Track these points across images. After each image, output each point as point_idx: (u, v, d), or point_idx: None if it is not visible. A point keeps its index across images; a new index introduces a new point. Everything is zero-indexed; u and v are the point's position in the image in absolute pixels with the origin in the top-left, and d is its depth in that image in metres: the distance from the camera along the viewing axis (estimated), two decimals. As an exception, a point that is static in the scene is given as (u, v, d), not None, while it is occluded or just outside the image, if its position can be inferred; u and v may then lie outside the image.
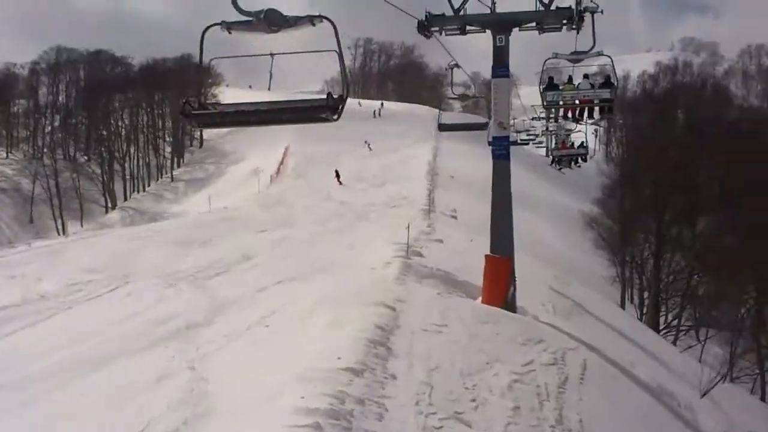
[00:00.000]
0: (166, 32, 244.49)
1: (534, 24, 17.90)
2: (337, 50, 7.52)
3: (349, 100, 8.04)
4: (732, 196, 45.23)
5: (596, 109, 21.58)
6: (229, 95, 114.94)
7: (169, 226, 39.44)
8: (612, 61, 19.52)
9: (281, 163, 68.83)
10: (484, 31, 18.37)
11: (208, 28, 7.66)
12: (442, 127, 15.79)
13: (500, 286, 17.09)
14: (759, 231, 38.89)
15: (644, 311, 41.63)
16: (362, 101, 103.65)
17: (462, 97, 32.05)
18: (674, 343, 39.06)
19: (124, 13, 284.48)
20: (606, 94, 19.35)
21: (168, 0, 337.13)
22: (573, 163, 34.53)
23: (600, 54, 19.38)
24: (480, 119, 44.28)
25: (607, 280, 46.73)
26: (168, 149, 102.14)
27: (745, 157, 46.75)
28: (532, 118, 60.51)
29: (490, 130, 19.14)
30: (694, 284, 41.23)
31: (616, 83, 19.92)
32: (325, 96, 7.72)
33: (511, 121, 22.84)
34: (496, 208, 18.67)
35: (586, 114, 22.71)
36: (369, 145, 73.33)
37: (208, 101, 9.87)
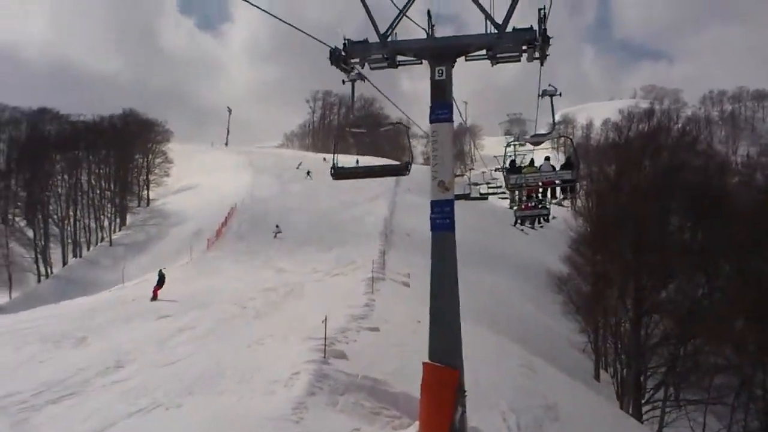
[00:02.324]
0: (113, 89, 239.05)
1: (485, 52, 13.26)
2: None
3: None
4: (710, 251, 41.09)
5: (558, 189, 21.25)
6: (181, 152, 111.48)
7: (56, 312, 33.03)
8: (573, 142, 19.73)
9: (223, 224, 63.50)
10: (420, 62, 13.81)
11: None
12: (337, 174, 11.82)
13: (443, 410, 12.54)
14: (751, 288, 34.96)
15: (621, 382, 36.56)
16: (326, 156, 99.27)
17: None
18: (662, 420, 34.44)
19: (71, 69, 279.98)
20: (568, 175, 18.37)
21: (116, 55, 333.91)
22: (536, 222, 30.54)
23: (561, 135, 22.14)
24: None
25: (579, 347, 42.04)
26: (111, 211, 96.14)
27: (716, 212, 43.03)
28: (495, 169, 56.82)
29: (432, 189, 14.37)
30: (681, 352, 36.38)
31: (577, 164, 19.40)
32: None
33: (465, 175, 19.74)
34: (439, 298, 13.84)
35: (549, 194, 22.38)
36: (309, 173, 70.46)
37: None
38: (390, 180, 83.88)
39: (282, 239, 55.69)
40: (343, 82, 13.16)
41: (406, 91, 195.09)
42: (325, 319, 16.07)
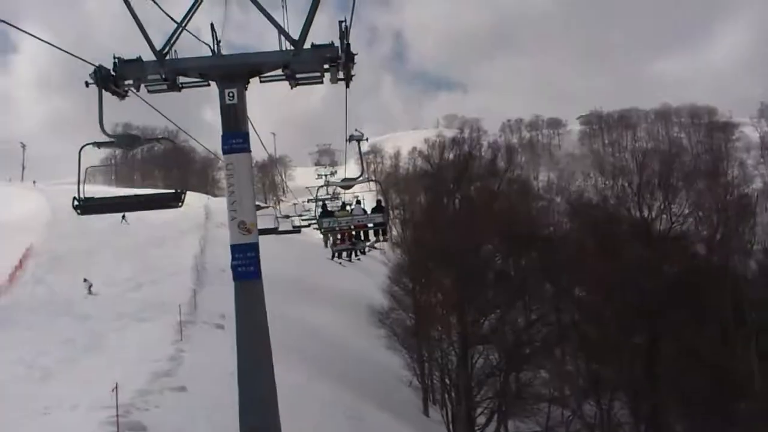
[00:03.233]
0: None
1: (281, 71, 11.77)
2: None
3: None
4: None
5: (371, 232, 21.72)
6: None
7: None
8: (382, 186, 23.72)
9: (18, 267, 57.66)
10: (208, 84, 12.14)
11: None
12: (86, 207, 9.66)
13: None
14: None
15: (453, 419, 35.75)
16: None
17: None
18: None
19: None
20: (379, 218, 18.82)
21: None
22: (353, 255, 29.68)
23: (369, 180, 20.69)
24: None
25: (407, 382, 41.24)
26: None
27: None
28: (308, 200, 55.60)
29: (232, 231, 12.66)
30: (512, 385, 36.34)
31: (387, 207, 19.89)
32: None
33: (272, 206, 19.01)
34: (248, 356, 12.21)
35: (363, 236, 23.30)
36: (125, 218, 65.53)
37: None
38: (200, 215, 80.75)
39: (94, 293, 47.42)
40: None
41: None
42: (116, 387, 13.85)
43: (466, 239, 37.70)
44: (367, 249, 29.38)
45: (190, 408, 16.30)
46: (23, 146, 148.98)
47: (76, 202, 10.61)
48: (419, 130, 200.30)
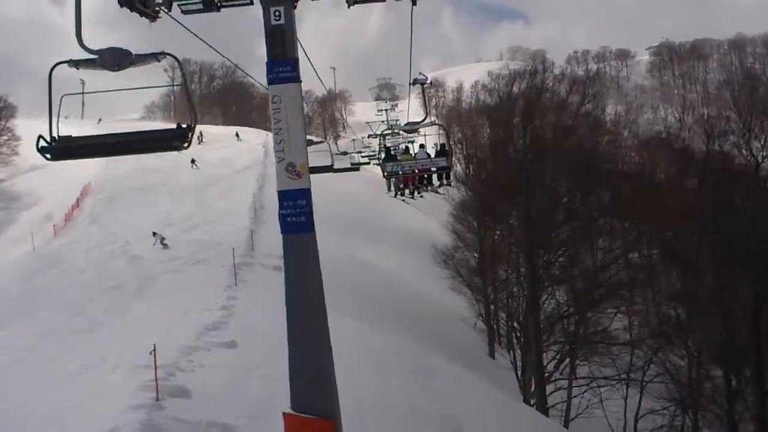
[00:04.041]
0: None
1: (337, -16, 9.72)
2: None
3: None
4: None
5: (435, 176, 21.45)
6: (31, 128, 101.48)
7: None
8: (446, 130, 19.87)
9: (75, 206, 57.44)
10: (250, 2, 10.12)
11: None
12: (57, 150, 7.03)
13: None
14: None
15: (522, 365, 33.81)
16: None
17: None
18: (569, 400, 32.20)
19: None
20: (442, 162, 18.64)
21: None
22: (416, 192, 27.97)
23: (433, 123, 19.70)
24: None
25: (470, 323, 39.55)
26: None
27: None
28: (368, 136, 53.51)
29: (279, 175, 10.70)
30: (582, 328, 33.98)
31: (451, 151, 19.66)
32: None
33: (327, 142, 17.97)
34: (299, 323, 10.32)
35: (426, 180, 22.89)
36: (195, 163, 64.36)
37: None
38: (259, 152, 79.54)
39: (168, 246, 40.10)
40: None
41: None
42: (154, 349, 12.22)
43: (535, 176, 35.31)
44: (429, 191, 27.64)
45: (239, 369, 14.69)
46: (83, 83, 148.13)
47: (43, 143, 7.59)
48: (482, 63, 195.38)
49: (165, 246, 38.58)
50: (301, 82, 10.42)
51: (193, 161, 68.25)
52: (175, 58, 7.55)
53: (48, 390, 14.01)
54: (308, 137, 19.16)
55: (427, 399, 15.76)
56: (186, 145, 7.88)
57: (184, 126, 7.93)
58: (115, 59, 7.40)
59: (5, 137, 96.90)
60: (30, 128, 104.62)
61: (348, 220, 54.39)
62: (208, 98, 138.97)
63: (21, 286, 31.98)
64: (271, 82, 10.21)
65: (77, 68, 7.51)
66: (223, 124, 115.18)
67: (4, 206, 77.28)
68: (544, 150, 37.48)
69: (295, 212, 10.02)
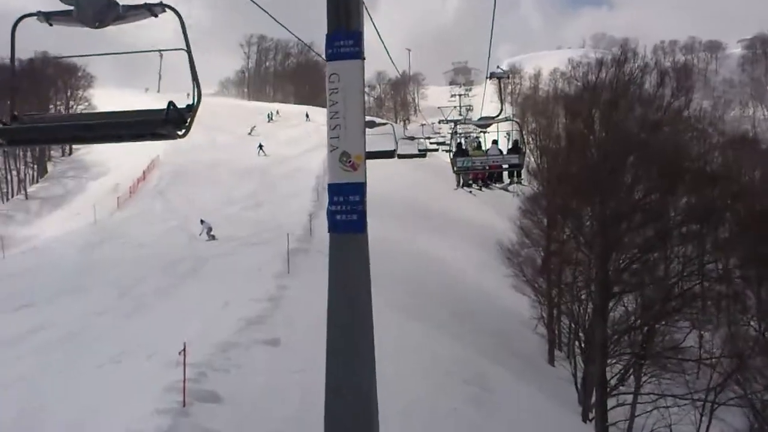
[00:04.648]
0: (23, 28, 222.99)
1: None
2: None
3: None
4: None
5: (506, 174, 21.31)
6: (104, 98, 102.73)
7: None
8: (520, 126, 20.54)
9: (141, 179, 57.36)
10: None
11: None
12: (9, 136, 5.49)
13: None
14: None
15: (583, 378, 31.58)
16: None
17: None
18: (632, 417, 29.99)
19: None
20: (515, 159, 18.57)
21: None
22: (485, 188, 26.43)
23: (508, 119, 19.65)
24: None
25: (531, 325, 37.61)
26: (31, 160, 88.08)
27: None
28: (439, 121, 51.68)
29: (331, 166, 9.22)
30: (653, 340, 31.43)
31: (524, 149, 19.38)
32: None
33: (390, 123, 17.34)
34: (341, 335, 8.79)
35: (496, 178, 22.47)
36: (263, 149, 62.83)
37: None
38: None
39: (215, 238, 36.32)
40: None
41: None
42: (184, 349, 10.97)
43: (616, 174, 33.02)
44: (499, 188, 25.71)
45: (279, 370, 13.38)
46: (161, 55, 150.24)
47: None
48: (562, 50, 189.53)
49: (211, 237, 35.28)
50: (364, 59, 8.98)
51: (260, 147, 66.72)
52: (176, 11, 5.72)
53: (78, 384, 12.99)
54: (371, 118, 17.70)
55: (481, 417, 14.23)
56: (182, 132, 5.87)
57: (180, 107, 5.89)
58: (95, 11, 5.76)
59: (82, 106, 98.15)
60: (107, 98, 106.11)
61: (412, 209, 52.87)
62: (282, 76, 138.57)
63: (77, 258, 31.56)
64: (329, 57, 8.76)
65: (49, 23, 5.89)
66: (295, 103, 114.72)
67: (75, 175, 78.42)
68: (629, 146, 34.99)
69: (347, 209, 8.59)
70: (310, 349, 14.53)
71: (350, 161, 8.64)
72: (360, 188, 8.55)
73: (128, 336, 16.12)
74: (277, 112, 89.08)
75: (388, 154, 14.53)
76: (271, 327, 16.19)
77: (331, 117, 8.97)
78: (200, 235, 35.34)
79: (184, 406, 10.67)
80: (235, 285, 21.45)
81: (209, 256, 28.56)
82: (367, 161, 13.52)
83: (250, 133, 73.48)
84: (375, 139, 15.30)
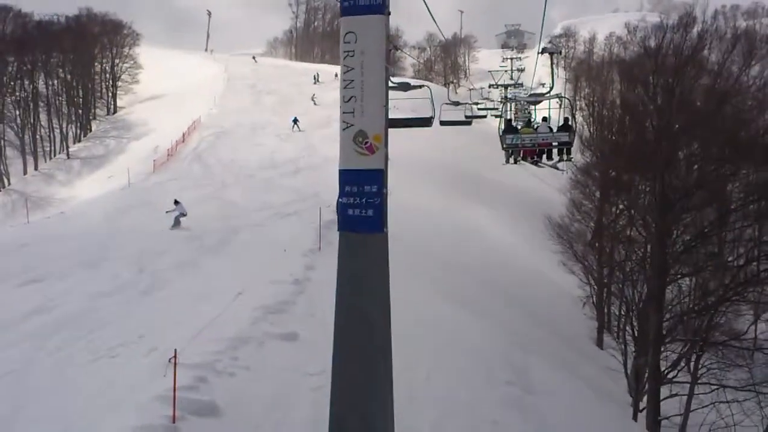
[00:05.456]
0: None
1: None
2: None
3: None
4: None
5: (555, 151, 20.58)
6: (154, 57, 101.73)
7: None
8: (571, 104, 19.17)
9: (181, 141, 56.08)
10: None
11: None
12: None
13: None
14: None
15: (629, 358, 29.43)
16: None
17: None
18: (688, 404, 27.71)
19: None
20: (564, 137, 18.15)
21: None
22: (534, 164, 24.47)
23: (559, 96, 18.72)
24: None
25: (578, 303, 35.52)
26: (74, 119, 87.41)
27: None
28: (489, 86, 49.52)
29: (343, 148, 7.39)
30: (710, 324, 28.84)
31: (574, 126, 18.76)
32: None
33: (426, 86, 14.74)
34: (351, 354, 7.15)
35: (545, 156, 21.58)
36: (297, 124, 59.89)
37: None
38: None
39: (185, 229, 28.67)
40: None
41: None
42: (175, 356, 9.32)
43: (678, 148, 30.54)
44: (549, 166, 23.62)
45: (294, 371, 11.68)
46: (209, 14, 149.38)
47: None
48: (618, 14, 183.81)
49: (177, 223, 28.19)
50: (389, 14, 7.23)
51: (295, 121, 60.52)
52: None
53: (65, 384, 11.44)
54: (405, 79, 15.67)
55: (523, 430, 12.45)
56: None
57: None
58: None
59: (128, 64, 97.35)
60: (153, 57, 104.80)
61: (456, 178, 50.84)
62: (330, 37, 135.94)
63: (102, 227, 30.30)
64: (345, 10, 7.09)
65: None
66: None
67: (117, 135, 77.77)
68: (694, 117, 32.32)
69: (361, 202, 6.97)
70: (331, 347, 12.96)
71: (367, 142, 6.97)
72: (378, 176, 6.90)
73: (132, 323, 14.60)
74: (317, 75, 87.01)
75: (424, 122, 12.18)
76: (291, 317, 14.51)
77: (344, 86, 7.26)
78: (167, 212, 28.80)
79: (173, 422, 9.07)
80: (260, 262, 19.87)
81: (239, 227, 26.97)
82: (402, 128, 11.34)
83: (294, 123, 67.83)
84: (409, 104, 13.48)
